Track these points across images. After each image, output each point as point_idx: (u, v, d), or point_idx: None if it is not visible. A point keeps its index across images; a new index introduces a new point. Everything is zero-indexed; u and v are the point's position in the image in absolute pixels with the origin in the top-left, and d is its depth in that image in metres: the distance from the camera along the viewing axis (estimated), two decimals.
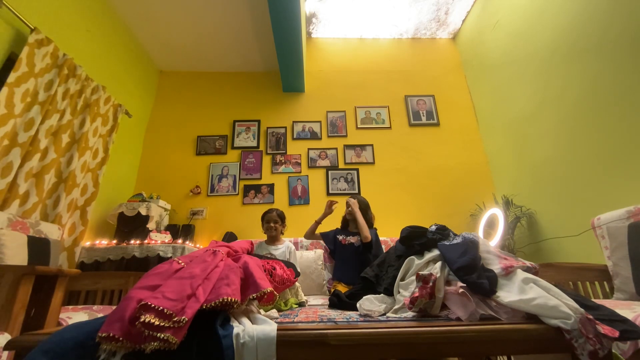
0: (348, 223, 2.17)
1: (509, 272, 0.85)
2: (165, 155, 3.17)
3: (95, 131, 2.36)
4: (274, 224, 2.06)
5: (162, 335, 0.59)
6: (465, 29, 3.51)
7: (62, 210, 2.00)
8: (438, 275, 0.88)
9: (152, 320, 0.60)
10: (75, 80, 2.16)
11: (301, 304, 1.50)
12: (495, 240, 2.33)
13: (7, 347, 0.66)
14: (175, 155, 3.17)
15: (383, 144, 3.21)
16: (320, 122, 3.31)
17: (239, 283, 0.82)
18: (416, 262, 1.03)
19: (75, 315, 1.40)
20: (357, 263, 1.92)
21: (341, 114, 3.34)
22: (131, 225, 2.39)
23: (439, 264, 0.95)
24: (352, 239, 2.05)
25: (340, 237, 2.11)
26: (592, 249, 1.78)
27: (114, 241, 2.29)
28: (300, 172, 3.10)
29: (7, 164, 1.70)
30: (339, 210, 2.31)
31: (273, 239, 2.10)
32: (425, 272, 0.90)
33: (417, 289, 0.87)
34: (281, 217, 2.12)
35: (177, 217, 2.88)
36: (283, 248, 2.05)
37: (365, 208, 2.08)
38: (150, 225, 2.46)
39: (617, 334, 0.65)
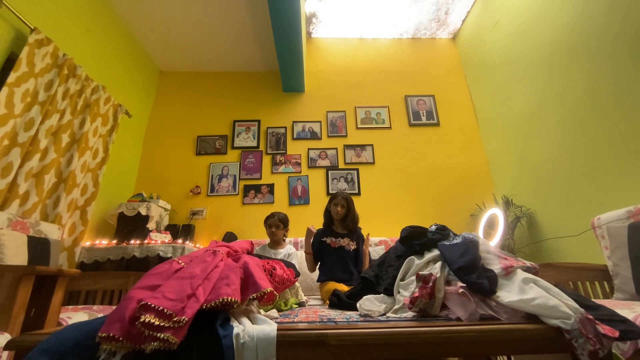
0: (332, 221, 2.06)
1: (509, 272, 0.85)
2: (165, 155, 3.17)
3: (95, 131, 2.36)
4: (275, 228, 2.06)
5: (162, 335, 0.59)
6: (465, 29, 3.51)
7: (62, 210, 2.00)
8: (438, 275, 0.88)
9: (152, 320, 0.60)
10: (75, 80, 2.16)
11: (301, 304, 1.50)
12: (495, 240, 2.33)
13: (7, 347, 0.66)
14: (175, 155, 3.17)
15: (383, 144, 3.21)
16: (320, 122, 3.31)
17: (239, 283, 0.82)
18: (416, 262, 1.02)
19: (75, 315, 1.40)
20: (347, 264, 1.91)
21: (341, 114, 3.34)
22: (131, 225, 2.39)
23: (439, 264, 0.95)
24: (342, 242, 1.96)
25: (327, 240, 1.98)
26: (592, 249, 1.78)
27: (114, 241, 2.29)
28: (300, 172, 3.10)
29: (7, 164, 1.70)
30: (320, 207, 2.26)
31: (275, 243, 2.10)
32: (425, 272, 0.90)
33: (417, 289, 0.87)
34: (283, 221, 2.09)
35: (177, 217, 2.88)
36: (284, 252, 2.04)
37: (352, 206, 2.03)
38: (150, 225, 2.46)
39: (617, 334, 0.65)
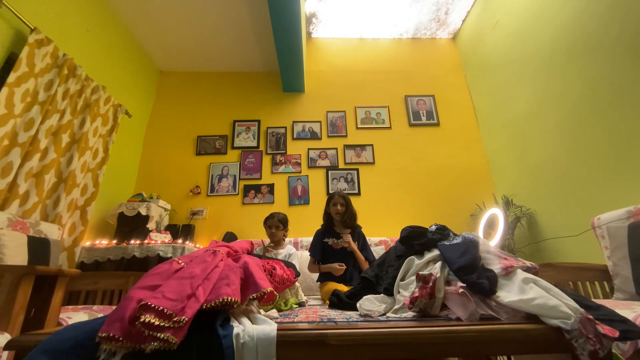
0: (333, 222, 2.06)
1: (509, 272, 0.85)
2: (165, 155, 3.17)
3: (95, 131, 2.36)
4: (275, 229, 2.05)
5: (162, 335, 0.59)
6: (465, 29, 3.50)
7: (62, 210, 2.00)
8: (438, 275, 0.88)
9: (152, 320, 0.60)
10: (75, 80, 2.16)
11: (301, 304, 1.50)
12: (495, 240, 2.33)
13: (7, 347, 0.66)
14: (175, 155, 3.17)
15: (383, 144, 3.21)
16: (320, 122, 3.31)
17: (239, 283, 0.82)
18: (416, 262, 1.02)
19: (75, 315, 1.40)
20: (349, 265, 1.90)
21: (341, 114, 3.34)
22: (131, 225, 2.39)
23: (439, 264, 0.95)
24: (343, 243, 1.95)
25: (329, 242, 1.99)
26: (592, 249, 1.78)
27: (114, 241, 2.29)
28: (300, 172, 3.09)
29: (7, 164, 1.70)
30: (320, 207, 2.25)
31: (275, 244, 2.10)
32: (425, 272, 0.90)
33: (417, 289, 0.87)
34: (282, 221, 2.08)
35: (177, 217, 2.88)
36: (284, 253, 2.04)
37: (349, 203, 2.04)
38: (150, 225, 2.46)
39: (617, 334, 0.65)
